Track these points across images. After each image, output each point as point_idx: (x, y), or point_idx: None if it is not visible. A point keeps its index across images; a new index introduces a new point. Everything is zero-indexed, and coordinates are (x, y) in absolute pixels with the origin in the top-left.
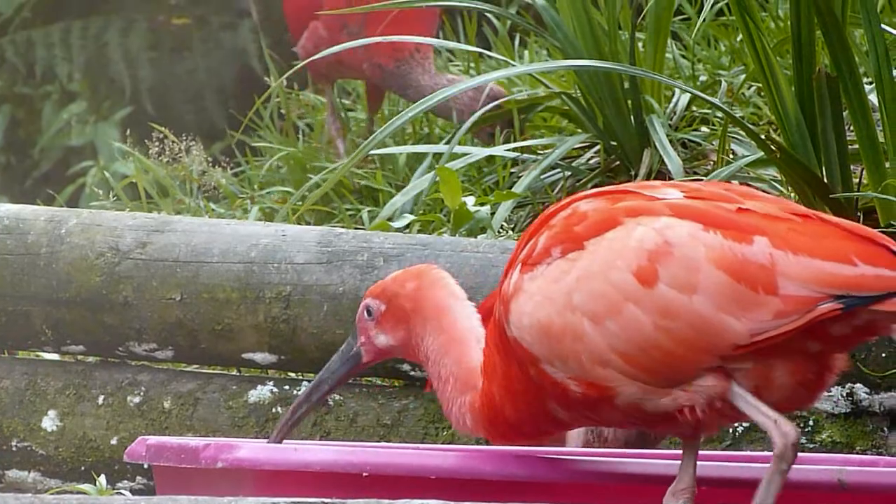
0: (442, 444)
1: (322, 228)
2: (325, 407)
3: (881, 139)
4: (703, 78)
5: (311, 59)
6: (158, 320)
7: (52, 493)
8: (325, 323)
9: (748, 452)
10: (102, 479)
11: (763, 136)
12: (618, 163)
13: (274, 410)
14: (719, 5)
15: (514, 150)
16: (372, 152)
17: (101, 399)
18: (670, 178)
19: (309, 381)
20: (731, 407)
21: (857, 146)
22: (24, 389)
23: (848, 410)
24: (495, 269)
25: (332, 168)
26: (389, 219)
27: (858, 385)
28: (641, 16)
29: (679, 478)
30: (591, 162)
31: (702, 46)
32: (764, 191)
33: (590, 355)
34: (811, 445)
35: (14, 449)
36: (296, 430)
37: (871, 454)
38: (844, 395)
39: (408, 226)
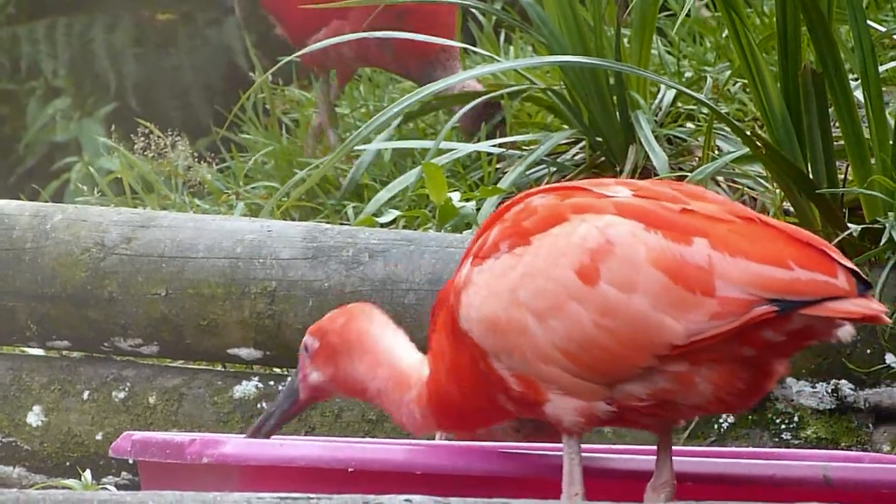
0: (427, 439)
1: (307, 224)
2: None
3: (866, 135)
4: (688, 74)
5: (335, 41)
6: (143, 316)
7: (37, 489)
8: (311, 318)
9: (734, 448)
10: (87, 474)
11: (748, 133)
12: (603, 159)
13: (259, 406)
14: (704, 1)
15: (500, 145)
16: (358, 148)
17: (86, 394)
18: (655, 174)
19: None
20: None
21: (842, 142)
22: (8, 385)
23: (833, 407)
24: None
25: (318, 164)
26: (375, 214)
27: (843, 381)
28: (627, 12)
29: (657, 472)
30: (576, 158)
31: (687, 43)
32: (749, 187)
33: (534, 351)
34: (796, 442)
35: None
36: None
37: (856, 450)
38: (829, 391)
39: (393, 221)
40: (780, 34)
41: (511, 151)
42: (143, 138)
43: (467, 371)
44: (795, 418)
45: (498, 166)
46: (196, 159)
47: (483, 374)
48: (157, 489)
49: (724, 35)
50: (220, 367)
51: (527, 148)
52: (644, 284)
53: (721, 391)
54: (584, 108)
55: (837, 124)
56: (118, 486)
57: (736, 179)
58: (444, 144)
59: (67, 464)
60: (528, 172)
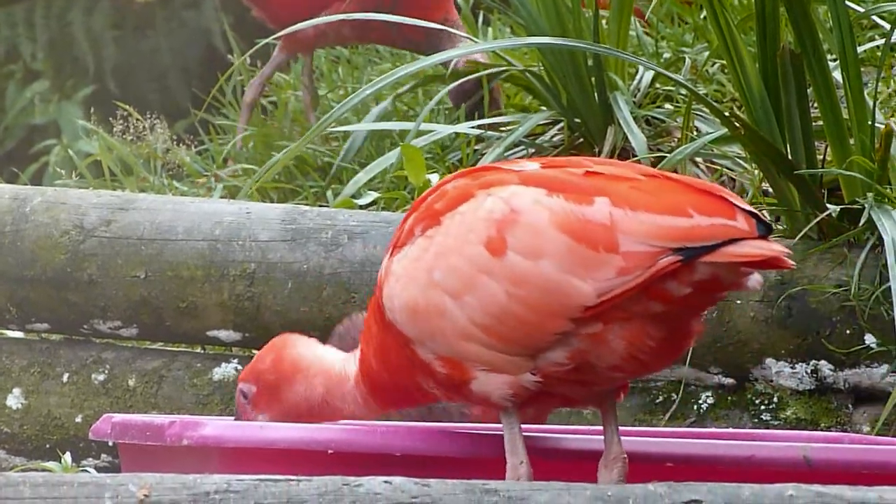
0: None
1: (286, 206)
2: None
3: (845, 116)
4: (666, 55)
5: (331, 20)
6: (123, 298)
7: (16, 471)
8: (290, 300)
9: (713, 430)
10: (67, 456)
11: (727, 114)
12: (581, 140)
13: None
14: None
15: (478, 127)
16: (335, 129)
17: (65, 377)
18: (634, 156)
19: None
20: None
21: (821, 123)
22: None
23: (812, 387)
24: None
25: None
26: (354, 196)
27: (823, 362)
28: None
29: (606, 449)
30: (554, 139)
31: (665, 24)
32: (728, 168)
33: (454, 331)
34: (776, 423)
35: None
36: None
37: (836, 431)
38: (809, 372)
39: (372, 203)
40: (759, 15)
41: (490, 133)
42: (121, 121)
43: (393, 356)
44: (775, 399)
45: (477, 147)
46: (175, 142)
47: (409, 359)
48: (137, 471)
49: (702, 16)
50: (199, 350)
51: (505, 129)
52: (550, 249)
53: (634, 349)
54: (563, 89)
55: (816, 105)
56: (98, 469)
57: (714, 160)
58: (423, 126)
59: (47, 446)
60: (506, 154)
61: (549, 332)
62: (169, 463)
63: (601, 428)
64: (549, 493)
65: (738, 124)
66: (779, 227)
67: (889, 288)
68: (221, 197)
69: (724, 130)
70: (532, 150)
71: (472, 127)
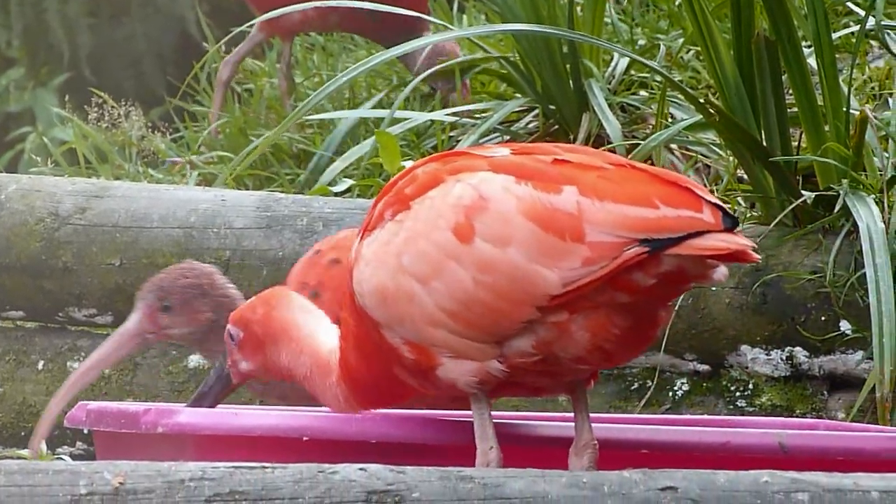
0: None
1: (261, 193)
2: None
3: (820, 102)
4: (641, 42)
5: (312, 6)
6: (98, 286)
7: None
8: (265, 287)
9: (688, 416)
10: (43, 444)
11: (702, 100)
12: (556, 127)
13: None
14: None
15: (453, 114)
16: (311, 117)
17: (40, 364)
18: (609, 142)
19: None
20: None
21: (796, 110)
22: None
23: (788, 374)
24: None
25: (273, 133)
26: (329, 184)
27: (798, 348)
28: None
29: (577, 435)
30: (529, 126)
31: (640, 10)
32: (703, 155)
33: (421, 316)
34: (751, 409)
35: None
36: (234, 394)
37: (811, 417)
38: (784, 358)
39: (347, 190)
40: (733, 1)
41: (465, 120)
42: (96, 108)
43: (369, 346)
44: (750, 386)
45: (452, 134)
46: (150, 129)
47: (378, 346)
48: (112, 459)
49: (677, 3)
50: None
51: (480, 116)
52: (517, 236)
53: (599, 339)
54: (538, 76)
55: (791, 92)
56: (73, 456)
57: (689, 147)
58: (398, 113)
59: (22, 434)
60: (481, 141)
61: (514, 319)
62: (144, 450)
63: (573, 415)
64: (524, 480)
65: (712, 111)
66: (753, 213)
67: (864, 274)
68: (197, 184)
69: (699, 117)
70: (507, 137)
71: (447, 114)
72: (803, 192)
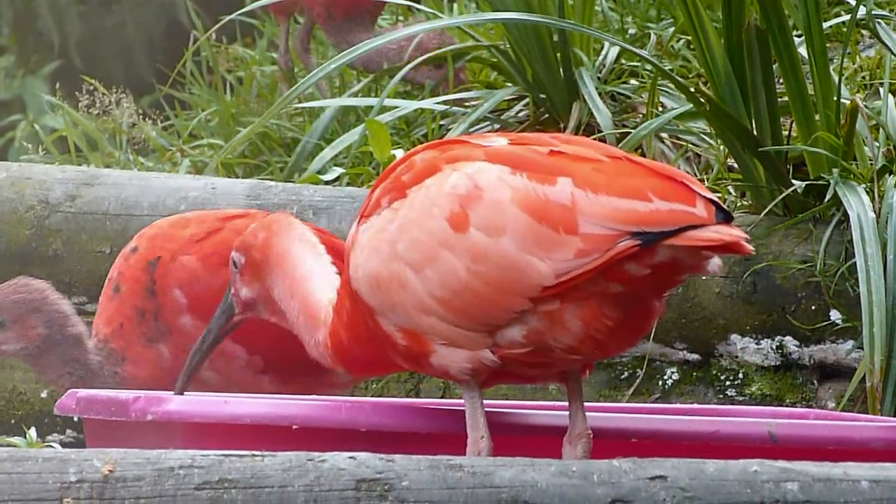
0: (371, 396)
1: (251, 181)
2: None
3: (811, 92)
4: (632, 31)
5: None
6: (88, 273)
7: None
8: None
9: (678, 405)
10: (32, 431)
11: (692, 89)
12: (547, 116)
13: None
14: None
15: (444, 103)
16: (299, 105)
17: None
18: (599, 131)
19: None
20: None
21: (786, 99)
22: None
23: (777, 363)
24: None
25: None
26: (319, 172)
27: (788, 338)
28: None
29: (571, 425)
30: (520, 115)
31: None
32: (693, 144)
33: (414, 304)
34: (741, 398)
35: None
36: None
37: (801, 407)
38: (774, 347)
39: (337, 179)
40: None
41: (455, 108)
42: (87, 96)
43: (362, 328)
44: (740, 375)
45: (442, 123)
46: (140, 117)
47: (373, 332)
48: (102, 446)
49: None
50: None
51: (471, 105)
52: (511, 227)
53: (591, 329)
54: (528, 65)
55: (781, 81)
56: (63, 444)
57: (680, 136)
58: (387, 101)
59: (12, 421)
60: (471, 129)
61: (506, 309)
62: (134, 438)
63: (566, 404)
64: (513, 469)
65: (703, 100)
66: (744, 203)
67: (854, 264)
68: (187, 172)
69: (690, 106)
70: (497, 126)
71: (437, 103)
72: (794, 181)
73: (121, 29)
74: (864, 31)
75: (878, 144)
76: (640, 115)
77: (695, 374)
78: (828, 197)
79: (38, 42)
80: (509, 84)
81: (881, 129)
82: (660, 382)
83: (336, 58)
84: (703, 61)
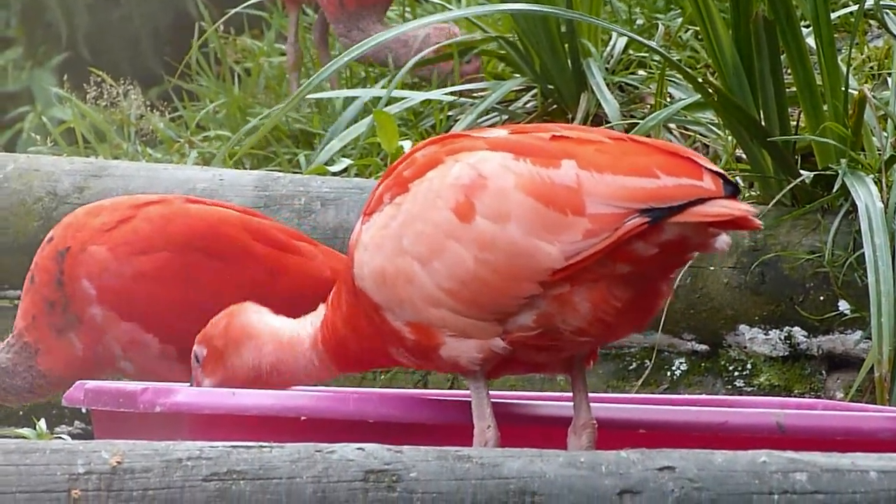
0: (379, 388)
1: (259, 172)
2: None
3: (818, 82)
4: (640, 21)
5: None
6: None
7: None
8: None
9: (686, 396)
10: (41, 423)
11: (700, 80)
12: (555, 106)
13: None
14: None
15: (451, 94)
16: (309, 96)
17: None
18: (607, 122)
19: None
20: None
21: (794, 89)
22: None
23: (786, 354)
24: None
25: (269, 113)
26: (327, 163)
27: (796, 328)
28: None
29: (576, 415)
30: (528, 106)
31: None
32: (701, 134)
33: (422, 297)
34: (749, 389)
35: None
36: None
37: (810, 397)
38: (782, 338)
39: (345, 170)
40: None
41: (463, 99)
42: (95, 87)
43: (363, 323)
44: (748, 365)
45: (450, 114)
46: (148, 108)
47: (377, 327)
48: (110, 438)
49: None
50: None
51: (478, 95)
52: (516, 212)
53: (600, 311)
54: (536, 56)
55: (789, 71)
56: (72, 435)
57: (688, 127)
58: (396, 92)
59: (21, 413)
60: (479, 120)
61: (517, 296)
62: (142, 429)
63: (571, 395)
64: (521, 460)
65: (711, 91)
66: (752, 193)
67: (863, 254)
68: (195, 164)
69: (698, 97)
70: (505, 117)
71: (445, 94)
72: (802, 171)
73: (128, 21)
74: (872, 22)
75: (886, 134)
76: (649, 106)
77: (703, 364)
78: (836, 187)
79: (46, 34)
80: (517, 75)
81: (889, 119)
82: (668, 373)
83: (353, 48)
84: (711, 52)
